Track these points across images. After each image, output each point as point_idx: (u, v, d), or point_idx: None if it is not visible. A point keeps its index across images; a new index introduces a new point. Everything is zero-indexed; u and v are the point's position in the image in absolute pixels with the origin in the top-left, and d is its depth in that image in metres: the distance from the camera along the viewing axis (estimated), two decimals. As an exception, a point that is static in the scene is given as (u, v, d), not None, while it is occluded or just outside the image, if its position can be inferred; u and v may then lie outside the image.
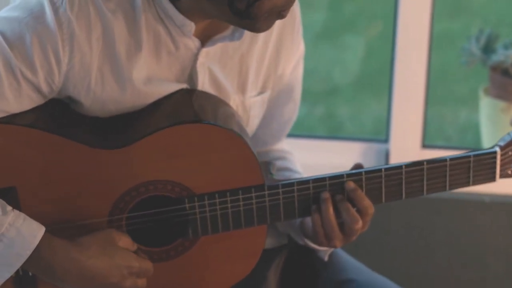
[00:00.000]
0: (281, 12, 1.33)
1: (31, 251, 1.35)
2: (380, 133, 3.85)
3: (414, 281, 2.54)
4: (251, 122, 1.61)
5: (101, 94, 1.43)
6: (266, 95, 1.62)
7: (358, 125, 4.10)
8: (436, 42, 2.60)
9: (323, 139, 2.86)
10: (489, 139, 2.87)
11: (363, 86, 4.33)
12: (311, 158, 2.57)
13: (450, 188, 1.55)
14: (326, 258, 1.68)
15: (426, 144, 2.64)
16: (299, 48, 1.65)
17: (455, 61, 3.67)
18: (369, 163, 2.65)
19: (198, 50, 1.44)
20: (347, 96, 4.27)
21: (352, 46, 4.43)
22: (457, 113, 3.98)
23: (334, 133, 4.01)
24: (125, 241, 1.45)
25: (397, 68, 2.56)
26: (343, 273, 1.71)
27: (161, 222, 1.51)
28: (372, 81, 4.31)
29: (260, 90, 1.60)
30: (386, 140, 2.66)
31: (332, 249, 1.67)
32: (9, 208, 1.37)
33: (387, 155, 2.62)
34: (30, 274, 1.46)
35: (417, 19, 2.50)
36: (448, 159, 1.52)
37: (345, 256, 1.75)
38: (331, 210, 1.50)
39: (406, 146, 2.60)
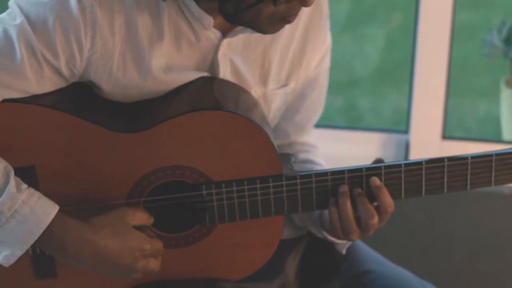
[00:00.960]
0: (285, 18, 1.33)
1: (43, 229, 1.37)
2: (399, 124, 3.84)
3: (432, 272, 2.54)
4: (272, 115, 1.61)
5: (122, 80, 1.45)
6: (289, 88, 1.62)
7: (377, 116, 4.09)
8: (457, 34, 2.59)
9: (343, 130, 2.85)
10: (509, 131, 2.86)
11: (383, 77, 4.32)
12: (331, 149, 2.58)
13: (472, 187, 1.53)
14: (343, 252, 1.68)
15: (446, 136, 2.63)
16: (326, 41, 1.64)
17: (476, 53, 3.66)
18: (389, 154, 2.65)
19: (219, 41, 1.45)
20: (367, 87, 4.26)
21: (373, 37, 4.42)
22: (478, 104, 3.97)
23: (354, 124, 4.00)
24: (139, 217, 1.47)
25: (418, 60, 2.55)
26: (361, 264, 1.71)
27: (178, 207, 1.52)
28: (392, 72, 4.30)
29: (283, 83, 1.60)
30: (406, 131, 2.66)
31: (350, 243, 1.67)
32: (24, 186, 1.39)
33: (407, 146, 2.62)
34: (47, 253, 1.48)
35: (438, 10, 2.50)
36: (469, 157, 1.51)
37: (364, 247, 1.75)
38: (348, 204, 1.50)
39: (427, 137, 2.60)
